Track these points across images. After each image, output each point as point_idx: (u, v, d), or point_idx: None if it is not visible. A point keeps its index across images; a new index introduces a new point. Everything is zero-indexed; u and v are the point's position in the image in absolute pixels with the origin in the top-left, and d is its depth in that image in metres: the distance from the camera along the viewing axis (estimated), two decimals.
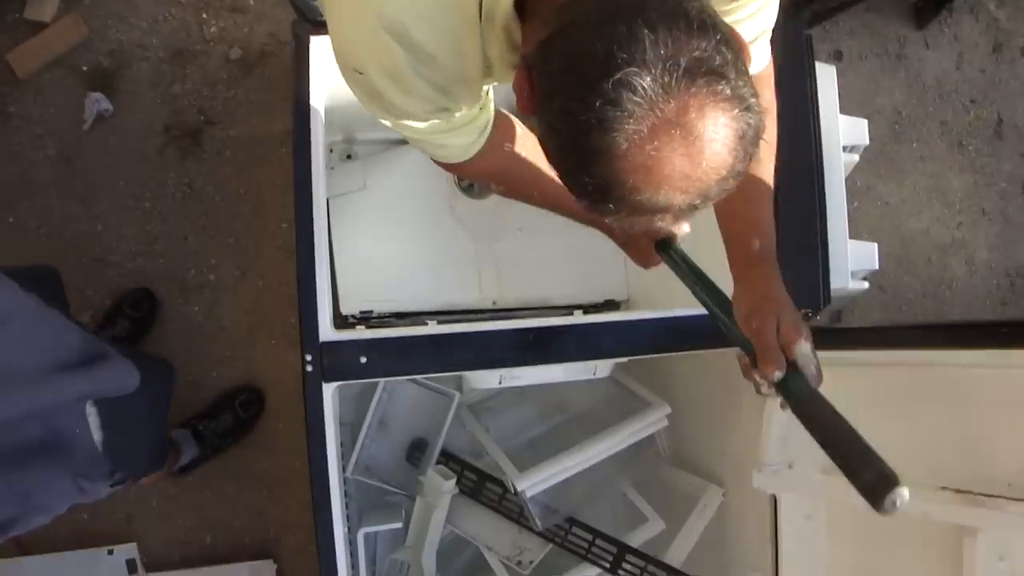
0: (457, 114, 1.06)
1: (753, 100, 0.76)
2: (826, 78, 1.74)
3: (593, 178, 0.77)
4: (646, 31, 0.70)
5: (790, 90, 1.63)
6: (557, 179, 0.85)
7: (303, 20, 1.56)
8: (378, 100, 0.99)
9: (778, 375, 1.00)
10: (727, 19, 0.83)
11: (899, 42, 3.07)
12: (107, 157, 2.40)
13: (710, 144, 0.74)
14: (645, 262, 1.43)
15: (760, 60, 1.13)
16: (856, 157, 1.91)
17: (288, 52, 2.37)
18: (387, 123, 1.08)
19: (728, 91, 0.73)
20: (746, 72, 0.77)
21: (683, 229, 1.19)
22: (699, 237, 1.26)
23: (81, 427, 1.49)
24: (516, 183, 1.35)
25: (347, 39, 0.95)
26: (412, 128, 1.07)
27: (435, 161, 1.26)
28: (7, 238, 2.34)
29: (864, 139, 1.88)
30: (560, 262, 2.16)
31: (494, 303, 2.09)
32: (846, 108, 1.84)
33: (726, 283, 1.18)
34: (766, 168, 1.19)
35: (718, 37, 0.74)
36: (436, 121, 1.06)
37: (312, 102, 1.53)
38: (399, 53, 0.90)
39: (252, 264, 2.42)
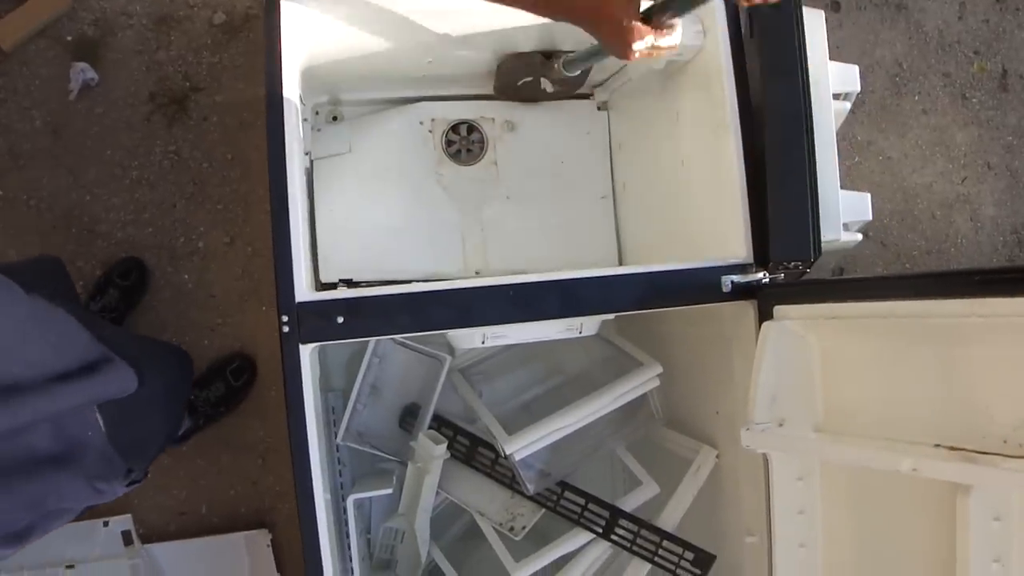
0: None
1: None
2: (814, 22, 1.68)
3: None
4: None
5: (775, 34, 1.58)
6: None
7: None
8: None
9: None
10: None
11: None
12: (94, 126, 2.39)
13: None
14: (621, 44, 1.30)
15: None
16: (847, 105, 1.85)
17: None
18: None
19: None
20: None
21: None
22: None
23: (92, 430, 1.48)
24: None
25: None
26: None
27: None
28: None
29: (855, 86, 1.83)
30: (548, 233, 2.13)
31: (477, 273, 2.05)
32: (845, 59, 1.78)
33: None
34: None
35: None
36: None
37: (285, 61, 1.49)
38: None
39: (241, 230, 2.40)
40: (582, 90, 2.20)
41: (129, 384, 1.52)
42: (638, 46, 1.27)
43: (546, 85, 2.03)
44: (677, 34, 1.32)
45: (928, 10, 3.03)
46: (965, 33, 3.08)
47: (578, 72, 1.71)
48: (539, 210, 2.13)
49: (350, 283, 1.95)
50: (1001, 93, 3.10)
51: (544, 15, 1.35)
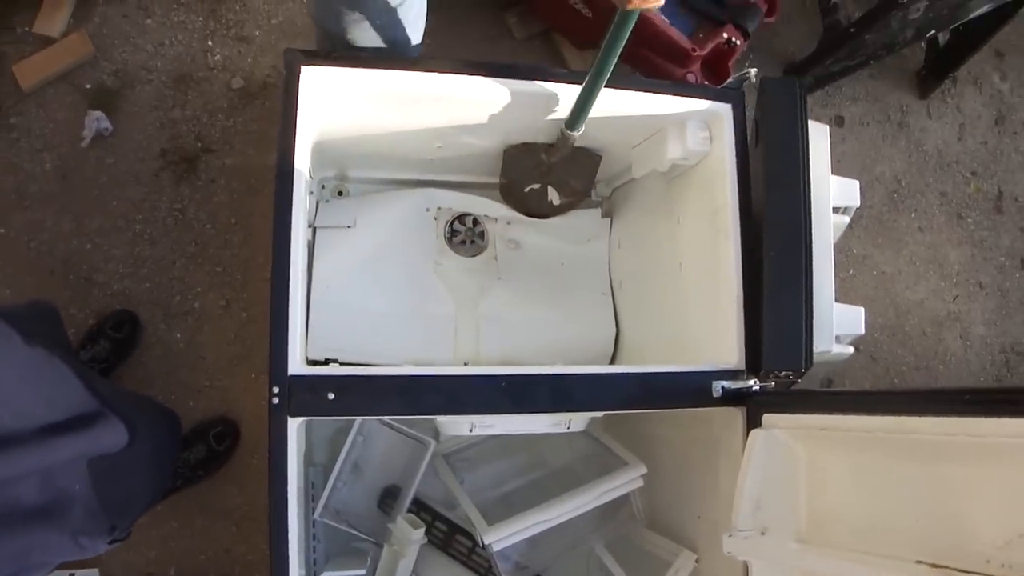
0: None
1: None
2: (819, 137, 1.72)
3: None
4: None
5: (781, 147, 1.62)
6: None
7: (298, 50, 1.56)
8: None
9: None
10: None
11: (901, 110, 3.08)
12: (103, 176, 2.40)
13: None
14: None
15: None
16: (847, 219, 1.88)
17: None
18: None
19: None
20: None
21: None
22: None
23: (80, 483, 1.47)
24: None
25: None
26: None
27: None
28: None
29: (855, 200, 1.86)
30: (543, 330, 2.13)
31: (466, 364, 2.04)
32: (846, 175, 1.82)
33: None
34: None
35: None
36: None
37: (299, 131, 1.52)
38: None
39: (238, 295, 2.40)
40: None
41: (121, 439, 1.52)
42: None
43: (553, 196, 2.06)
44: None
45: (929, 129, 3.10)
46: (964, 154, 3.15)
47: (582, 128, 1.73)
48: (536, 307, 2.15)
49: (335, 363, 1.94)
50: (996, 214, 3.15)
51: None
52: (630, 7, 1.34)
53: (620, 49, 1.47)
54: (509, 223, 2.20)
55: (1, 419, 1.32)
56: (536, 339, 2.11)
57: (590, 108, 1.63)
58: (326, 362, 1.92)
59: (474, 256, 2.15)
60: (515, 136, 1.94)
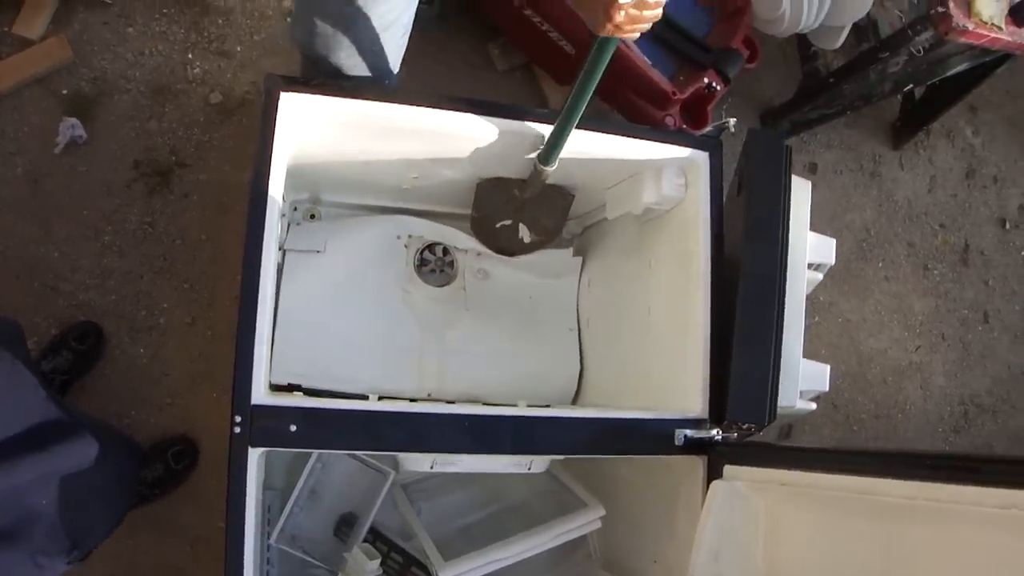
0: None
1: None
2: (800, 192, 1.74)
3: None
4: None
5: (764, 200, 1.63)
6: None
7: (278, 76, 1.56)
8: None
9: None
10: None
11: (875, 160, 3.12)
12: (74, 184, 2.37)
13: None
14: (604, 14, 1.26)
15: None
16: (820, 276, 1.91)
17: None
18: None
19: None
20: None
21: None
22: None
23: (47, 500, 1.45)
24: None
25: None
26: None
27: None
28: None
29: (830, 258, 1.88)
30: (508, 361, 2.13)
31: (430, 395, 2.04)
32: (816, 221, 1.83)
33: None
34: None
35: None
36: None
37: (274, 157, 1.51)
38: None
39: (204, 312, 2.38)
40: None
41: (90, 454, 1.51)
42: None
43: (524, 234, 2.07)
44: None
45: (900, 180, 3.15)
46: (933, 206, 3.19)
47: (555, 163, 1.73)
48: (501, 339, 2.14)
49: (298, 389, 1.93)
50: (961, 267, 3.20)
51: None
52: (602, 33, 1.31)
53: (596, 82, 1.46)
54: (479, 254, 2.20)
55: None
56: (500, 372, 2.11)
57: (564, 142, 1.64)
58: (289, 387, 1.91)
59: (443, 286, 2.14)
60: (490, 170, 1.94)
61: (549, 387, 2.12)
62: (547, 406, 2.05)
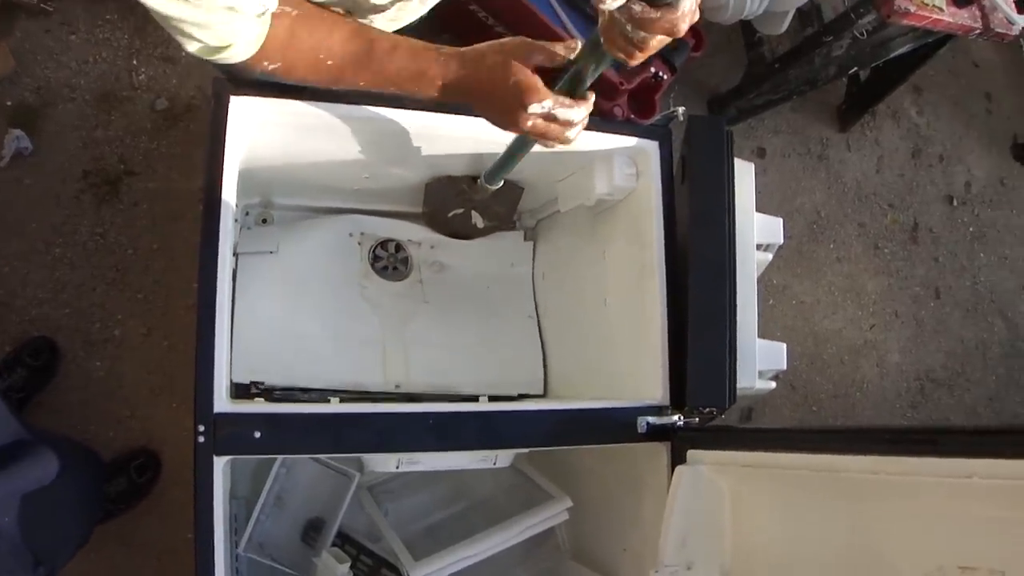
0: None
1: None
2: (744, 175, 1.75)
3: None
4: None
5: (707, 185, 1.65)
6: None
7: (227, 79, 1.54)
8: None
9: None
10: None
11: (822, 143, 3.16)
12: (21, 197, 2.33)
13: None
14: (510, 120, 1.20)
15: None
16: (770, 256, 1.93)
17: None
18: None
19: None
20: None
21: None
22: None
23: (8, 517, 1.43)
24: (313, 48, 1.20)
25: None
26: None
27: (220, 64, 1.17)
28: None
29: (779, 238, 1.90)
30: (472, 350, 2.12)
31: (397, 387, 2.02)
32: (766, 206, 1.85)
33: None
34: None
35: None
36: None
37: (226, 163, 1.50)
38: None
39: (159, 322, 2.35)
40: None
41: (50, 470, 1.49)
42: (533, 108, 1.14)
43: (476, 220, 2.07)
44: (580, 111, 1.18)
45: (848, 162, 3.19)
46: (881, 186, 3.25)
47: (500, 183, 1.74)
48: (464, 328, 2.13)
49: (262, 387, 1.92)
50: (911, 245, 3.25)
51: (402, 92, 1.28)
52: (514, 132, 1.26)
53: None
54: (433, 247, 2.19)
55: None
56: (465, 361, 2.10)
57: (512, 169, 1.64)
58: (251, 386, 1.89)
59: (399, 280, 2.14)
60: (441, 169, 1.94)
61: (515, 374, 2.12)
62: (518, 396, 2.06)
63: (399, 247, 2.15)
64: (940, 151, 3.43)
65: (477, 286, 2.19)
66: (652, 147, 1.74)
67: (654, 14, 0.91)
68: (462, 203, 2.04)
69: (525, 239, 2.24)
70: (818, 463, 1.31)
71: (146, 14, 1.02)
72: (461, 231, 2.16)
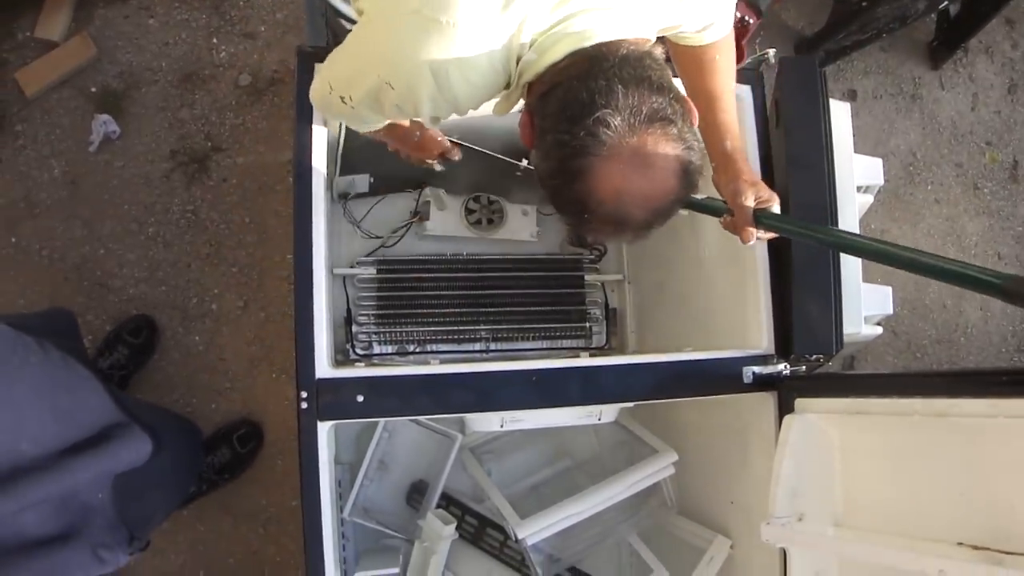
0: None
1: (695, 143, 1.03)
2: (840, 116, 1.69)
3: (574, 193, 1.01)
4: (619, 86, 0.98)
5: (803, 127, 1.59)
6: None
7: (309, 49, 1.53)
8: (375, 97, 1.15)
9: (753, 233, 1.32)
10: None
11: (914, 82, 3.04)
12: (113, 180, 2.38)
13: (662, 171, 0.99)
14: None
15: (723, 29, 1.32)
16: (871, 198, 1.86)
17: None
18: (345, 101, 1.21)
19: (676, 133, 1.00)
20: (690, 122, 1.03)
21: None
22: None
23: (103, 494, 1.46)
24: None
25: (389, 56, 1.10)
26: (367, 115, 1.25)
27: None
28: (9, 259, 2.31)
29: (879, 179, 1.84)
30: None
31: (489, 348, 2.07)
32: (860, 149, 1.79)
33: None
34: (731, 94, 1.41)
35: (671, 96, 1.01)
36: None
37: (315, 128, 1.49)
38: (430, 88, 1.08)
39: (255, 295, 2.38)
40: None
41: (144, 451, 1.51)
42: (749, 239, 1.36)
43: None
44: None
45: (942, 100, 3.07)
46: (977, 124, 3.11)
47: None
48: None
49: (361, 353, 1.94)
50: (1012, 184, 3.12)
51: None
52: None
53: None
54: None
55: (19, 447, 1.31)
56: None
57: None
58: (349, 351, 1.91)
59: (494, 232, 2.14)
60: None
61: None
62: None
63: (491, 199, 2.14)
64: None
65: None
66: (744, 91, 1.69)
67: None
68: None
69: None
70: (931, 407, 1.26)
71: None
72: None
